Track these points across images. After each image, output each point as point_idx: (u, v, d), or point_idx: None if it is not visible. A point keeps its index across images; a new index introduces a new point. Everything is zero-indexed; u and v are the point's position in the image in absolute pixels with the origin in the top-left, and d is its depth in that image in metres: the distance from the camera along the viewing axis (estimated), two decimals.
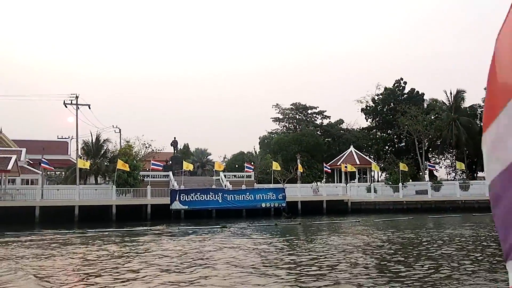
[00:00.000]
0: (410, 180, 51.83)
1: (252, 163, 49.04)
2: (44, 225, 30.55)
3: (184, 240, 22.84)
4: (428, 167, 47.59)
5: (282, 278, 12.89)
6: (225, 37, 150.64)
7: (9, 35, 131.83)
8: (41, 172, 38.53)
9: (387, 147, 61.74)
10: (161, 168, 40.77)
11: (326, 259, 16.34)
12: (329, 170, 47.61)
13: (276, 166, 42.14)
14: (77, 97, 38.68)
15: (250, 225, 30.20)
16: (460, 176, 60.63)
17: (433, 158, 65.00)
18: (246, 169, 42.82)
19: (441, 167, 66.81)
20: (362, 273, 13.49)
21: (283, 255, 17.51)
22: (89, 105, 39.68)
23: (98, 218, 33.09)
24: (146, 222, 33.02)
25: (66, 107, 38.67)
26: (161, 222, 32.30)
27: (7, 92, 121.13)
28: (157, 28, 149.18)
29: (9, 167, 33.80)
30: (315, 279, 12.83)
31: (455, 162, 61.41)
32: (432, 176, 60.30)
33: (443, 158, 65.62)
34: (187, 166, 39.00)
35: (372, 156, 62.98)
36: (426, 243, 20.44)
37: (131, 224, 30.48)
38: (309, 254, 17.56)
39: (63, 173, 49.29)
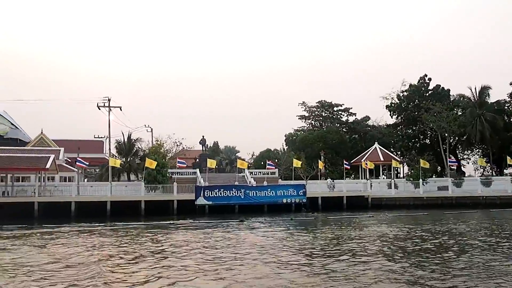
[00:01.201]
0: (434, 176, 52.29)
1: (277, 160, 50.74)
2: (79, 218, 33.33)
3: (202, 231, 24.90)
4: (449, 163, 47.86)
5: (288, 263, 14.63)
6: (256, 36, 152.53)
7: (46, 39, 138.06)
8: (77, 170, 41.39)
9: (411, 144, 62.10)
10: (185, 165, 42.98)
11: (332, 247, 17.94)
12: (348, 167, 48.64)
13: (296, 163, 43.68)
14: (109, 100, 41.41)
15: (266, 219, 32.03)
16: (488, 172, 60.40)
17: (461, 155, 64.95)
18: (268, 166, 44.62)
19: (468, 163, 66.69)
20: (368, 260, 15.06)
21: (290, 243, 19.23)
22: (120, 107, 42.42)
23: (129, 213, 35.54)
24: (173, 217, 35.27)
25: (99, 109, 41.46)
26: (186, 216, 34.45)
27: (47, 95, 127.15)
28: (186, 28, 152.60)
29: (48, 165, 36.74)
30: (320, 264, 14.48)
31: (482, 158, 61.33)
32: (460, 173, 60.41)
33: (471, 154, 65.42)
34: (211, 163, 41.07)
35: (398, 153, 63.63)
36: (421, 235, 21.69)
37: (158, 218, 32.90)
38: (313, 244, 19.19)
39: (99, 170, 52.39)
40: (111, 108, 41.80)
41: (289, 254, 16.90)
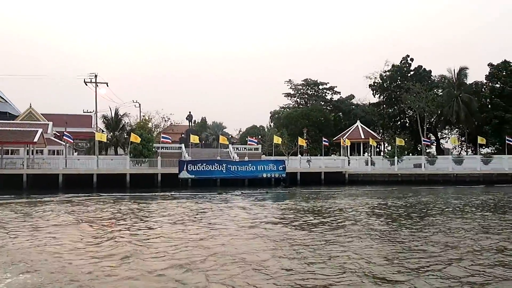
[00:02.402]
0: (410, 154, 54.34)
1: (260, 137, 52.36)
2: (67, 190, 34.99)
3: (186, 202, 26.79)
4: (424, 142, 49.80)
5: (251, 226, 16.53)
6: (245, 15, 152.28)
7: (36, 14, 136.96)
8: (64, 144, 42.81)
9: (392, 123, 63.97)
10: (170, 141, 44.54)
11: (295, 216, 19.86)
12: (327, 144, 50.46)
13: (277, 140, 45.44)
14: (96, 76, 42.64)
15: (243, 192, 33.97)
16: (466, 152, 62.49)
17: (441, 134, 66.92)
18: (249, 142, 46.38)
19: (447, 142, 68.75)
20: (330, 226, 16.96)
21: (265, 212, 21.13)
22: (106, 83, 43.72)
23: (114, 185, 37.19)
24: (157, 189, 37.08)
25: (86, 85, 42.69)
26: (170, 189, 36.29)
27: (37, 70, 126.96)
28: (175, 3, 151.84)
29: (36, 139, 38.14)
30: (278, 230, 16.36)
31: (460, 137, 63.39)
32: (440, 151, 62.51)
33: (450, 134, 67.39)
34: (194, 139, 42.63)
35: (381, 131, 65.55)
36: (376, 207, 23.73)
37: (143, 190, 34.78)
38: (283, 212, 21.10)
39: (86, 144, 53.86)
40: (98, 84, 43.04)
41: (259, 221, 18.80)
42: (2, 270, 10.46)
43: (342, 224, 18.04)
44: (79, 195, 30.87)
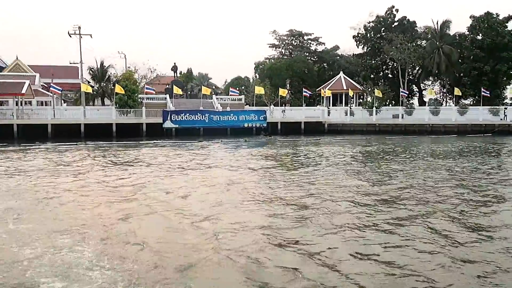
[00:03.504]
0: (390, 105, 56.15)
1: (243, 88, 53.67)
2: (56, 139, 36.63)
3: (165, 149, 28.70)
4: (401, 93, 51.43)
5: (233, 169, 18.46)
6: None
7: None
8: (52, 95, 43.98)
9: (374, 74, 65.25)
10: (154, 91, 45.86)
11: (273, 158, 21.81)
12: (308, 94, 51.95)
13: (259, 90, 46.90)
14: (79, 28, 43.23)
15: (223, 140, 35.91)
16: (448, 103, 64.39)
17: (423, 85, 68.42)
18: (231, 93, 47.81)
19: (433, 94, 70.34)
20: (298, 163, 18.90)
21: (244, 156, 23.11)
22: (90, 35, 44.42)
23: (101, 134, 38.77)
24: (142, 138, 38.87)
25: (70, 36, 43.39)
26: (154, 138, 38.07)
27: (23, 22, 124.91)
28: None
29: (24, 90, 39.32)
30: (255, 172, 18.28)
31: (442, 89, 65.12)
32: (422, 103, 64.23)
33: (432, 85, 68.91)
34: (177, 90, 43.97)
35: (364, 82, 66.87)
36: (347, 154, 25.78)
37: (128, 139, 36.58)
38: (261, 155, 23.05)
39: (73, 95, 54.97)
40: (82, 36, 43.74)
41: (239, 163, 20.80)
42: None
43: (307, 164, 20.01)
44: (67, 144, 32.61)
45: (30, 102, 47.99)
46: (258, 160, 22.92)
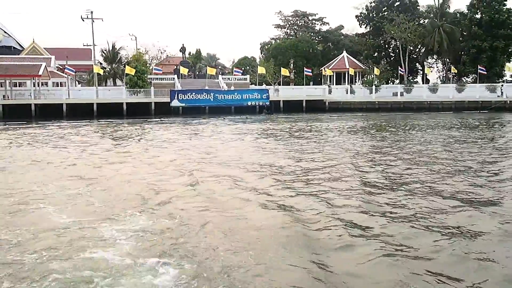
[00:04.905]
0: (391, 84, 57.82)
1: (248, 67, 55.68)
2: (70, 118, 39.55)
3: (172, 126, 31.41)
4: (400, 72, 52.98)
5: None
6: None
7: None
8: (66, 76, 46.72)
9: (377, 53, 66.51)
10: (161, 72, 48.34)
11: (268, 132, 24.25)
12: (310, 74, 53.81)
13: (261, 70, 49.00)
14: (92, 12, 45.68)
15: (225, 118, 38.42)
16: (450, 81, 65.57)
17: (427, 63, 69.49)
18: (235, 73, 50.02)
19: (431, 72, 71.58)
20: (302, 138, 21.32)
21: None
22: (102, 19, 46.84)
23: (113, 113, 41.50)
24: (151, 116, 41.59)
25: (83, 20, 45.87)
26: (162, 116, 40.79)
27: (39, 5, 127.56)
28: None
29: (40, 72, 42.08)
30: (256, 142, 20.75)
31: (445, 67, 66.23)
32: (426, 81, 65.45)
33: (434, 64, 70.01)
34: (184, 70, 46.33)
35: (367, 61, 68.21)
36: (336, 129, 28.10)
37: (138, 117, 39.35)
38: (259, 130, 25.51)
39: (87, 76, 57.73)
40: (94, 20, 46.17)
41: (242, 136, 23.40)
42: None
43: (311, 135, 22.40)
44: (81, 121, 35.47)
45: (46, 83, 50.73)
46: (250, 133, 25.48)
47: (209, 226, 8.08)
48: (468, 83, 55.17)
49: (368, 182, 11.80)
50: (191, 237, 7.52)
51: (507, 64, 55.52)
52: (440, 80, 67.29)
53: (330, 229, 7.87)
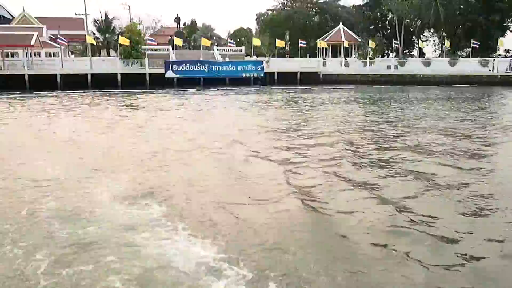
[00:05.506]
0: (386, 57, 57.83)
1: (244, 38, 55.35)
2: (65, 88, 39.48)
3: (163, 96, 31.65)
4: (394, 44, 53.00)
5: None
6: None
7: None
8: (59, 47, 46.28)
9: (373, 26, 66.26)
10: (156, 43, 48.01)
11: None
12: (304, 45, 53.74)
13: (256, 42, 48.83)
14: None
15: (219, 89, 38.62)
16: (446, 54, 65.63)
17: (423, 36, 69.32)
18: (229, 44, 49.84)
19: (427, 45, 71.56)
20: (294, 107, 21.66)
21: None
22: None
23: (107, 84, 41.34)
24: (145, 87, 41.66)
25: None
26: (157, 87, 40.85)
27: None
28: None
29: (32, 42, 41.64)
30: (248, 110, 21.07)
31: (442, 41, 66.08)
32: (422, 55, 65.44)
33: (431, 37, 69.89)
34: (178, 41, 46.06)
35: (364, 34, 67.94)
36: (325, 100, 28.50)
37: (133, 88, 39.40)
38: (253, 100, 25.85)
39: (80, 46, 57.21)
40: None
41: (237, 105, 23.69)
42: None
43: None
44: (75, 91, 35.54)
45: (39, 54, 50.25)
46: (240, 102, 26.01)
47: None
48: (462, 57, 55.25)
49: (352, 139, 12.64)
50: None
51: (501, 38, 55.62)
52: (437, 55, 67.38)
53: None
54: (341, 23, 63.02)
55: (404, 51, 61.38)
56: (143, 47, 47.56)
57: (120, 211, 7.67)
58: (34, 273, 5.59)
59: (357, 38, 61.49)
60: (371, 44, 50.21)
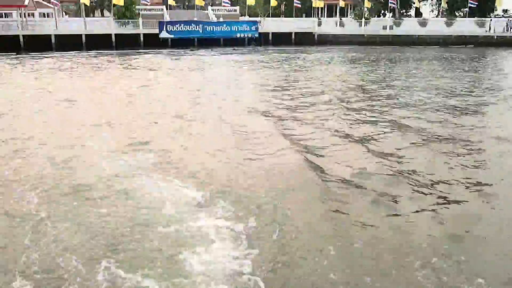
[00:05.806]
0: (382, 17, 57.35)
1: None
2: (60, 49, 39.61)
3: (159, 56, 31.98)
4: (390, 4, 52.47)
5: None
6: None
7: None
8: (53, 7, 45.98)
9: None
10: (149, 3, 47.65)
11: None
12: (299, 5, 53.32)
13: (250, 1, 48.47)
14: None
15: (212, 49, 38.80)
16: (444, 14, 64.87)
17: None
18: (223, 3, 49.45)
19: (425, 5, 70.68)
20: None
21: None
22: None
23: (101, 45, 41.38)
24: (139, 48, 41.77)
25: None
26: (151, 48, 40.96)
27: None
28: None
29: (26, 2, 41.42)
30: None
31: (439, 1, 65.09)
32: (418, 14, 64.71)
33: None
34: (172, 1, 45.74)
35: None
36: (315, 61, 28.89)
37: (127, 49, 39.54)
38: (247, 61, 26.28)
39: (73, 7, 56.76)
40: None
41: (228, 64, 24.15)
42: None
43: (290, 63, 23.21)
44: (70, 52, 35.77)
45: (33, 14, 49.97)
46: (231, 61, 26.46)
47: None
48: (460, 17, 54.72)
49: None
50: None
51: None
52: (434, 15, 66.60)
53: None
54: None
55: (401, 11, 60.71)
56: (137, 7, 47.21)
57: (115, 158, 8.29)
58: (28, 209, 6.30)
59: None
60: (367, 4, 49.85)
